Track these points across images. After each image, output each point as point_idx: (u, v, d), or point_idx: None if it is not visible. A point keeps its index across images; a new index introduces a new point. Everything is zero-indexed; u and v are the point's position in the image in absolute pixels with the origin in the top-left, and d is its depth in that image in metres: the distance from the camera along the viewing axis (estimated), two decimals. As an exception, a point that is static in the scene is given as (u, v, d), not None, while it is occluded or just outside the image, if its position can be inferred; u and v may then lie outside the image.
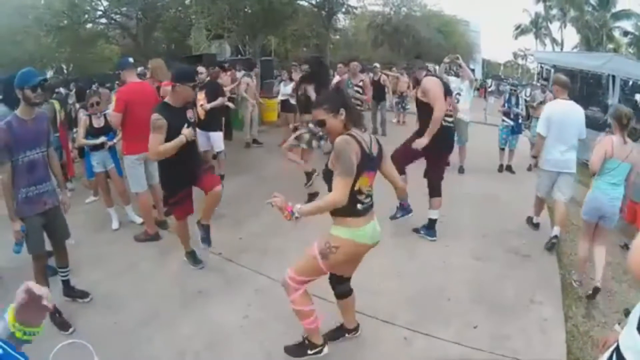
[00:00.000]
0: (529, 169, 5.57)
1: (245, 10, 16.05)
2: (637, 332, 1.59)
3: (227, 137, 8.50)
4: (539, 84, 11.36)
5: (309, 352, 3.05)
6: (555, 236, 4.93)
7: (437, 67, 9.61)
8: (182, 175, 4.11)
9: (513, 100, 8.18)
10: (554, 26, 39.62)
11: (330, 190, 2.59)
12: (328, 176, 2.63)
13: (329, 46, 21.63)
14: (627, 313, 1.85)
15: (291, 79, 10.14)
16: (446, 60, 7.79)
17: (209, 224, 4.38)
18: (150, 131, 3.82)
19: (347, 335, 3.28)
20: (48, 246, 3.63)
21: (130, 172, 4.94)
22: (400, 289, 4.05)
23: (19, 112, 3.21)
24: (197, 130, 4.57)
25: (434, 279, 4.25)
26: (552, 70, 13.93)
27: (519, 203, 6.11)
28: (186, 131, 3.93)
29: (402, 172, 4.73)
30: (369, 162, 2.65)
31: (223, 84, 8.13)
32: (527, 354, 3.22)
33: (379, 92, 10.65)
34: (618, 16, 34.12)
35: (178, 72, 4.11)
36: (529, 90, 10.52)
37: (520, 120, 8.18)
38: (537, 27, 40.93)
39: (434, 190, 4.98)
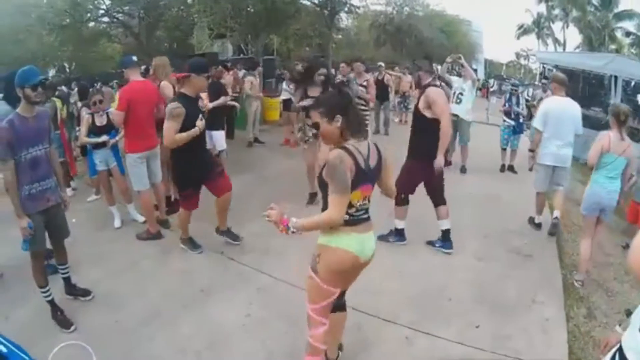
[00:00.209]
0: (531, 169, 5.62)
1: (248, 9, 16.03)
2: (639, 332, 1.59)
3: (229, 136, 8.50)
4: (540, 84, 11.35)
5: None
6: (556, 217, 5.12)
7: (439, 67, 9.60)
8: (194, 167, 4.29)
9: (514, 99, 8.18)
10: (557, 26, 39.69)
11: (325, 197, 2.50)
12: (323, 186, 2.51)
13: (332, 45, 21.59)
14: (628, 313, 1.85)
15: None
16: (449, 60, 7.80)
17: (227, 227, 4.75)
18: (166, 119, 3.93)
19: None
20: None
21: (132, 170, 4.94)
22: (401, 289, 4.05)
23: (20, 110, 3.22)
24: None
25: (435, 279, 4.25)
26: (554, 71, 13.90)
27: (520, 203, 6.11)
28: (200, 123, 4.13)
29: (407, 201, 4.78)
30: (363, 177, 2.49)
31: (225, 84, 8.13)
32: (529, 354, 3.22)
33: (382, 91, 10.64)
34: (620, 16, 34.04)
35: (193, 63, 4.24)
36: (530, 90, 10.53)
37: (521, 120, 8.18)
38: (540, 27, 40.91)
39: (438, 198, 4.76)
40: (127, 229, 5.31)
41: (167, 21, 17.90)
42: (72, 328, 3.41)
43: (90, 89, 6.64)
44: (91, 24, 17.75)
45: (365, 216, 2.62)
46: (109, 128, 5.21)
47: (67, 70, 22.77)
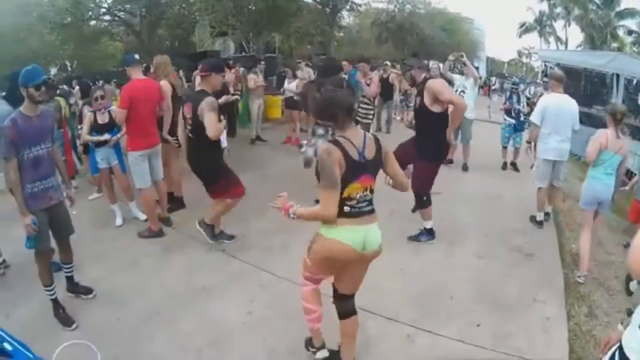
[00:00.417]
0: (532, 166, 5.72)
1: (250, 7, 16.03)
2: (639, 330, 1.59)
3: (231, 134, 8.50)
4: (542, 82, 11.34)
5: (309, 348, 3.10)
6: (548, 213, 5.59)
7: (441, 65, 9.59)
8: (219, 158, 4.68)
9: (514, 98, 8.18)
10: (558, 24, 39.53)
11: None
12: (318, 177, 2.56)
13: (333, 43, 21.60)
14: (629, 313, 1.85)
15: (295, 76, 10.14)
16: (451, 58, 7.80)
17: (213, 224, 4.74)
18: (207, 111, 4.14)
19: None
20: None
21: (134, 168, 4.95)
22: (403, 287, 4.06)
23: (23, 109, 3.23)
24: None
25: (437, 278, 4.25)
26: (556, 69, 13.89)
27: (522, 201, 6.10)
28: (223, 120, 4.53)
29: (430, 201, 4.83)
30: (359, 168, 2.51)
31: (227, 82, 8.12)
32: (530, 353, 3.22)
33: (386, 89, 10.60)
34: (622, 15, 33.91)
35: (213, 63, 4.68)
36: (532, 88, 10.51)
37: (522, 118, 8.17)
38: (542, 25, 40.78)
39: (421, 202, 4.81)
40: (128, 227, 5.32)
41: (169, 19, 17.90)
42: (74, 326, 3.42)
43: (92, 87, 6.65)
44: (92, 22, 17.77)
45: (368, 208, 2.62)
46: (111, 126, 5.21)
47: (69, 68, 22.78)
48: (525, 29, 42.42)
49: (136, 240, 4.99)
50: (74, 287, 3.84)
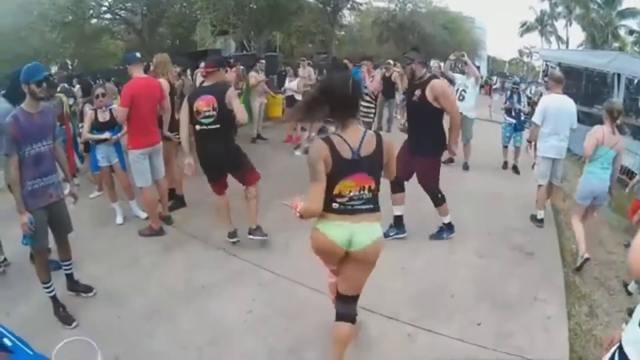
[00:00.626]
0: (533, 166, 5.77)
1: (251, 6, 16.07)
2: (639, 327, 1.59)
3: (231, 133, 8.48)
4: (543, 82, 11.33)
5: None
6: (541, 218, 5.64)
7: (442, 64, 9.58)
8: None
9: (515, 97, 8.16)
10: (560, 24, 39.46)
11: None
12: None
13: (334, 42, 21.60)
14: (630, 312, 1.85)
15: (296, 75, 10.13)
16: (452, 57, 7.80)
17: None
18: (235, 100, 4.38)
19: None
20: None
21: (135, 166, 4.94)
22: (404, 286, 4.05)
23: (25, 106, 3.23)
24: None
25: (437, 276, 4.25)
26: (557, 68, 13.88)
27: (523, 200, 6.09)
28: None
29: (444, 198, 4.87)
30: (351, 166, 2.48)
31: (228, 80, 8.12)
32: (530, 352, 3.22)
33: (388, 88, 10.59)
34: (624, 14, 33.84)
35: (219, 59, 5.07)
36: (533, 87, 10.50)
37: (522, 118, 8.16)
38: (543, 24, 40.73)
39: (436, 199, 4.87)
40: (129, 226, 5.32)
41: (170, 18, 17.93)
42: (74, 324, 3.42)
43: (93, 84, 6.65)
44: (93, 20, 17.83)
45: (365, 207, 2.57)
46: (112, 124, 5.20)
47: (70, 67, 22.79)
48: (526, 28, 42.38)
49: (136, 238, 4.99)
50: (74, 285, 3.84)
